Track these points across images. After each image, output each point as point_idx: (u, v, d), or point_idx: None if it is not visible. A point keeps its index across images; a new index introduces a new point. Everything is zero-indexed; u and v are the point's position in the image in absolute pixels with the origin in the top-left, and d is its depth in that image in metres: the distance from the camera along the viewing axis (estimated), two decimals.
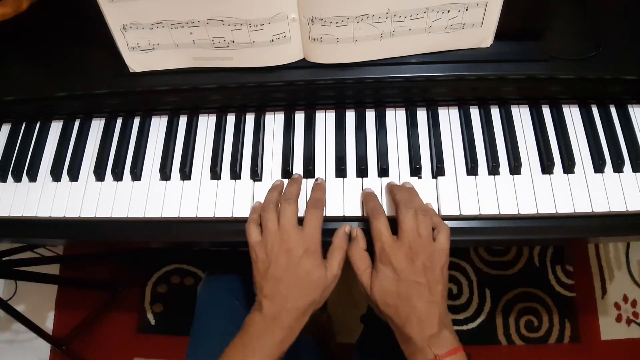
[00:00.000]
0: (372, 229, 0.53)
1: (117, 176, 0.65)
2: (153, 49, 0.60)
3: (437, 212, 0.58)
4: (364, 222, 0.59)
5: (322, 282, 0.52)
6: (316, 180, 0.61)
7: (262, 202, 0.58)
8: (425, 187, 0.60)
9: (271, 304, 0.51)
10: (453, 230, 0.59)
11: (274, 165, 0.64)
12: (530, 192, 0.59)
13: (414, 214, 0.52)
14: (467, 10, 0.55)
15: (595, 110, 0.64)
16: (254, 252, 0.54)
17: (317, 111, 0.66)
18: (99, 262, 1.43)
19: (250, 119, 0.67)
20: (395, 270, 0.51)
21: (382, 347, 0.73)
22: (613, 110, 0.64)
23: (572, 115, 0.64)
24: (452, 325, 0.52)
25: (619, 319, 1.27)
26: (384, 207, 0.58)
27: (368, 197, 0.58)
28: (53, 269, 1.41)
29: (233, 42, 0.58)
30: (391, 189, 0.57)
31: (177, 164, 0.65)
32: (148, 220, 0.63)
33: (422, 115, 0.65)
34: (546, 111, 0.64)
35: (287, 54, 0.59)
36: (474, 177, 0.60)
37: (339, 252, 0.55)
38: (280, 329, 0.51)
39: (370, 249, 0.54)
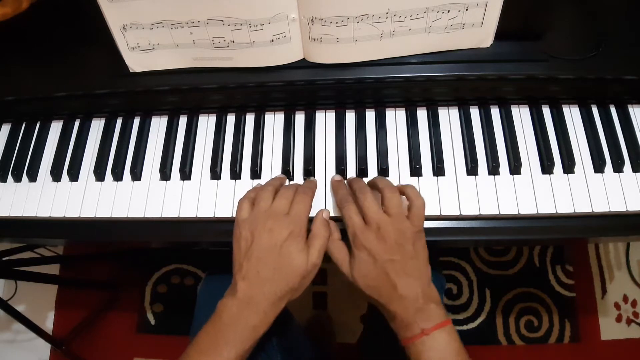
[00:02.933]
0: (343, 217, 0.54)
1: (117, 176, 0.65)
2: (153, 49, 0.60)
3: (438, 211, 0.58)
4: None
5: (302, 269, 0.51)
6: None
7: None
8: (425, 187, 0.60)
9: (247, 286, 0.50)
10: (453, 230, 0.59)
11: (273, 165, 0.64)
12: (530, 192, 0.59)
13: (372, 197, 0.53)
14: (467, 10, 0.55)
15: (595, 110, 0.64)
16: (238, 228, 0.53)
17: (317, 111, 0.66)
18: (99, 262, 1.43)
19: (250, 119, 0.67)
20: (369, 252, 0.51)
21: (383, 346, 0.73)
22: (613, 110, 0.64)
23: (572, 115, 0.64)
24: (439, 299, 0.52)
25: (619, 319, 1.27)
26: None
27: (337, 187, 0.59)
28: (53, 269, 1.42)
29: (233, 42, 0.58)
30: (349, 182, 0.58)
31: (177, 164, 0.65)
32: (148, 220, 0.63)
33: (422, 115, 0.65)
34: (546, 111, 0.64)
35: (287, 54, 0.59)
36: (474, 177, 0.60)
37: (319, 240, 0.53)
38: (254, 313, 0.50)
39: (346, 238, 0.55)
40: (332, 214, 0.59)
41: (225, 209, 0.61)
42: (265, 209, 0.53)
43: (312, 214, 0.56)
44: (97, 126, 0.69)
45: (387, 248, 0.51)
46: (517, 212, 0.58)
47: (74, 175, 0.66)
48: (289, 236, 0.51)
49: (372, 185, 0.56)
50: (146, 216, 0.62)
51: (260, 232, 0.51)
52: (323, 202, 0.60)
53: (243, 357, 0.50)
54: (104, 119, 0.70)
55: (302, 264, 0.51)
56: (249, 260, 0.51)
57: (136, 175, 0.65)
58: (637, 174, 0.60)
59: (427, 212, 0.58)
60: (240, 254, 0.52)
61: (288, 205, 0.54)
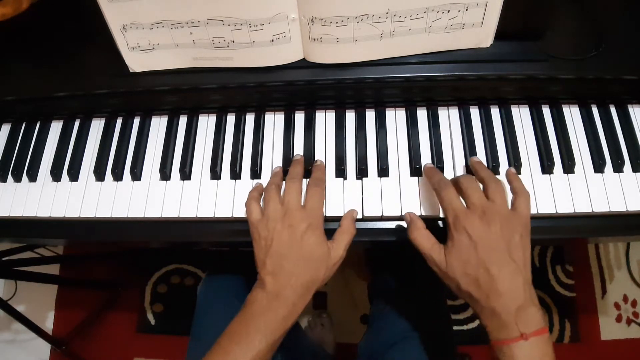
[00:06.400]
0: (442, 200, 0.52)
1: (117, 176, 0.65)
2: (153, 49, 0.60)
3: (439, 211, 0.58)
4: (365, 222, 0.60)
5: (325, 259, 0.52)
6: (315, 161, 0.62)
7: (263, 183, 0.58)
8: (425, 187, 0.60)
9: (274, 281, 0.51)
10: None
11: (274, 165, 0.64)
12: (530, 192, 0.58)
13: (477, 184, 0.51)
14: (467, 10, 0.55)
15: (595, 110, 0.64)
16: (255, 230, 0.54)
17: (317, 111, 0.66)
18: (99, 262, 1.43)
19: (250, 119, 0.67)
20: (470, 236, 0.48)
21: (386, 346, 0.73)
22: (613, 110, 0.64)
23: (572, 115, 0.64)
24: (538, 301, 0.48)
25: (619, 319, 1.27)
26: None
27: (431, 172, 0.56)
28: (53, 269, 1.42)
29: (233, 42, 0.58)
30: (456, 179, 0.54)
31: (177, 164, 0.65)
32: (148, 220, 0.63)
33: (422, 115, 0.65)
34: (546, 111, 0.64)
35: (287, 54, 0.59)
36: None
37: (347, 235, 0.55)
38: (283, 305, 0.51)
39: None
40: (343, 213, 0.58)
41: (225, 209, 0.61)
42: (278, 207, 0.53)
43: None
44: (97, 126, 0.69)
45: (491, 235, 0.48)
46: None
47: (74, 175, 0.66)
48: (308, 228, 0.52)
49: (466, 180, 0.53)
50: (146, 216, 0.62)
51: (279, 229, 0.52)
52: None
53: (273, 347, 0.51)
54: (104, 119, 0.70)
55: (325, 254, 0.52)
56: (272, 257, 0.52)
57: (136, 175, 0.65)
58: (637, 174, 0.60)
59: (426, 213, 0.59)
60: (262, 252, 0.53)
61: (300, 198, 0.54)
